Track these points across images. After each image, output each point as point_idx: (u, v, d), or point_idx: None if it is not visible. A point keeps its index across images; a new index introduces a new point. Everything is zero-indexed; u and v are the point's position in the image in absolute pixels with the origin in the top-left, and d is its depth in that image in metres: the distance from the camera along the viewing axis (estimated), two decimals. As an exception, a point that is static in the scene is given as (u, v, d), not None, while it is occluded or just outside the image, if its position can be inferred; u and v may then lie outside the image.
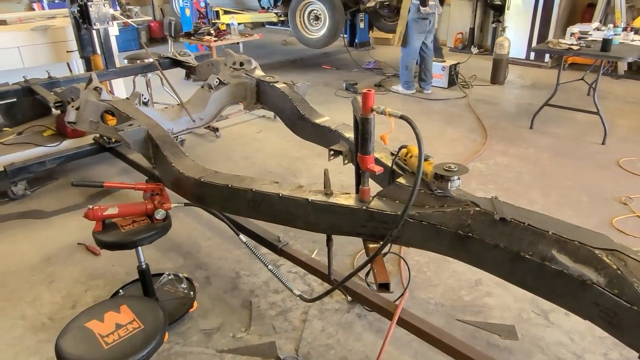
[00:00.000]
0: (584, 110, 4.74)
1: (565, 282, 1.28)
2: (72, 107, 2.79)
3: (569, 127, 4.93)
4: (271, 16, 8.02)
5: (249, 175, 2.03)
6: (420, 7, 5.64)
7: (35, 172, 3.60)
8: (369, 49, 8.87)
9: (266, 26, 11.39)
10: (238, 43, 6.72)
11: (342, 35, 7.49)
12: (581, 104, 4.98)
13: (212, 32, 6.68)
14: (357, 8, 7.40)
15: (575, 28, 5.27)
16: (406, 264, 2.52)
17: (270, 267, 2.26)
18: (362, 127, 1.59)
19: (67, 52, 4.40)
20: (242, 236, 2.33)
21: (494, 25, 8.12)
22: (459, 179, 1.56)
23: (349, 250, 2.91)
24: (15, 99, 3.75)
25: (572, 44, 4.59)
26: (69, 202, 3.59)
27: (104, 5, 3.76)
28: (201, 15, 7.61)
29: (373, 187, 1.75)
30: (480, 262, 1.50)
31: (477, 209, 1.49)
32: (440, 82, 6.46)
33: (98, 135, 3.76)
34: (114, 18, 4.07)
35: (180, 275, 2.60)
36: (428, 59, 6.16)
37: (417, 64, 6.19)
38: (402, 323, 1.95)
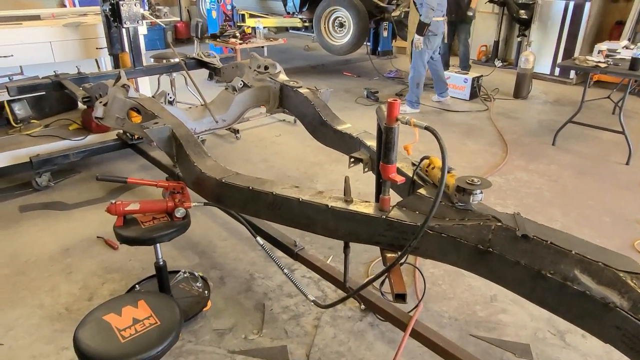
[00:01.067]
0: (609, 129, 4.65)
1: (587, 304, 1.26)
2: (100, 102, 2.85)
3: (592, 145, 4.85)
4: (296, 21, 8.08)
5: (267, 178, 2.05)
6: (416, 35, 5.50)
7: (59, 164, 3.69)
8: (391, 58, 8.87)
9: (289, 31, 11.49)
10: (263, 47, 6.78)
11: (365, 43, 7.51)
12: (606, 123, 4.89)
13: (238, 34, 6.75)
14: (381, 17, 7.43)
15: (604, 45, 5.18)
16: (422, 275, 2.51)
17: (285, 270, 2.26)
18: (386, 136, 1.60)
19: (97, 48, 4.50)
20: (259, 238, 2.34)
21: (519, 39, 8.02)
22: (481, 192, 1.55)
23: (363, 258, 2.90)
24: (44, 92, 3.84)
25: (599, 62, 4.52)
26: (90, 196, 3.66)
27: (134, 5, 3.84)
28: (227, 18, 7.72)
29: (392, 196, 1.75)
30: (500, 278, 1.48)
31: (499, 224, 1.48)
32: (462, 94, 6.41)
33: (121, 131, 3.83)
34: (143, 17, 4.15)
35: (196, 273, 2.62)
36: (438, 69, 5.98)
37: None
38: (415, 335, 1.93)
